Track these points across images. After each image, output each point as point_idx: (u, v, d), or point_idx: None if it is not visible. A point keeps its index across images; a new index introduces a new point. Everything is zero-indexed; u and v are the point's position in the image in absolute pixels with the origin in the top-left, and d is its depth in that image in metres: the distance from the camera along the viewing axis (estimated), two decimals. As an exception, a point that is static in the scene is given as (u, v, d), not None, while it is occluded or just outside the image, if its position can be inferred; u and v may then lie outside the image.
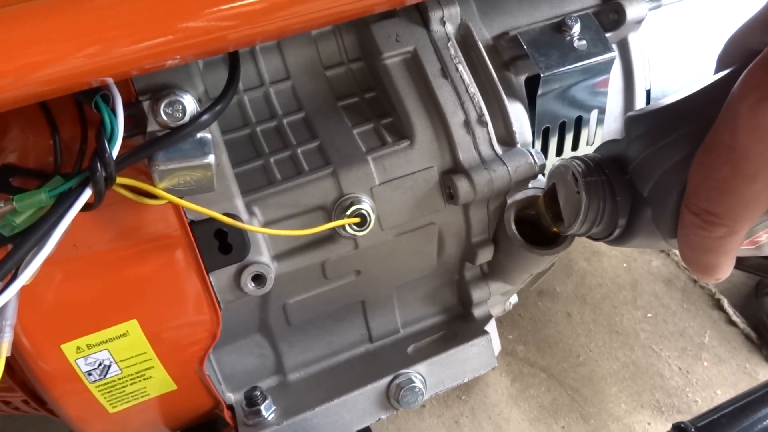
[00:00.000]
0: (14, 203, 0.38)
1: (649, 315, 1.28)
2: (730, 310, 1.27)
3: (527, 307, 1.28)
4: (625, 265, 1.35)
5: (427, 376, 0.62)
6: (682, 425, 0.55)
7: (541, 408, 1.15)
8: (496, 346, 0.66)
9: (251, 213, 0.52)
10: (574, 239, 0.58)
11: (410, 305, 0.67)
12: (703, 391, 1.17)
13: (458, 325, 0.68)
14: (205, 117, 0.41)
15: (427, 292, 0.67)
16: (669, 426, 1.23)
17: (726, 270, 0.42)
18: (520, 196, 0.59)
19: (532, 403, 1.16)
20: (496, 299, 0.69)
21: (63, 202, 0.38)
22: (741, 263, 1.16)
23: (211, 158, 0.42)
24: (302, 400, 0.61)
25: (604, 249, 1.37)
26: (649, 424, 1.13)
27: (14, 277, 0.38)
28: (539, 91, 0.59)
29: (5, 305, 0.39)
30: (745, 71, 0.34)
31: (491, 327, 0.66)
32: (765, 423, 0.55)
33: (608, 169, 0.48)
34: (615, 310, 1.28)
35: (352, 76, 0.60)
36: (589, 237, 0.54)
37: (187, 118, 0.41)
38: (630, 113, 0.48)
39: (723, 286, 1.33)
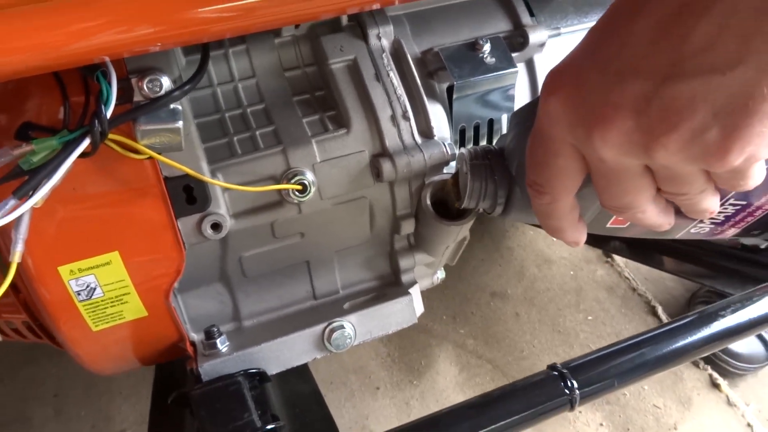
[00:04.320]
0: (33, 146, 0.52)
1: (589, 318, 1.40)
2: (663, 317, 1.39)
3: (480, 306, 1.41)
4: (572, 272, 1.48)
5: (357, 325, 0.75)
6: (555, 365, 0.67)
7: (484, 394, 1.27)
8: (419, 307, 0.79)
9: (215, 177, 0.66)
10: (476, 216, 0.72)
11: (349, 270, 0.81)
12: (633, 386, 1.29)
13: (388, 288, 0.81)
14: (176, 93, 0.56)
15: (364, 260, 0.81)
16: (597, 415, 1.35)
17: (573, 233, 0.49)
18: (436, 178, 0.73)
19: (476, 390, 1.27)
20: (422, 270, 0.83)
21: (67, 148, 0.52)
22: (675, 268, 1.27)
23: (180, 124, 0.56)
24: (252, 338, 0.74)
25: (555, 258, 1.50)
26: (580, 412, 1.24)
27: (28, 199, 0.51)
28: (454, 96, 0.74)
29: (20, 220, 0.52)
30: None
31: (414, 290, 0.79)
32: (622, 366, 0.68)
33: (492, 156, 0.62)
34: (559, 312, 1.41)
35: (306, 77, 0.75)
36: (484, 212, 0.67)
37: (163, 92, 0.55)
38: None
39: (662, 297, 1.45)
